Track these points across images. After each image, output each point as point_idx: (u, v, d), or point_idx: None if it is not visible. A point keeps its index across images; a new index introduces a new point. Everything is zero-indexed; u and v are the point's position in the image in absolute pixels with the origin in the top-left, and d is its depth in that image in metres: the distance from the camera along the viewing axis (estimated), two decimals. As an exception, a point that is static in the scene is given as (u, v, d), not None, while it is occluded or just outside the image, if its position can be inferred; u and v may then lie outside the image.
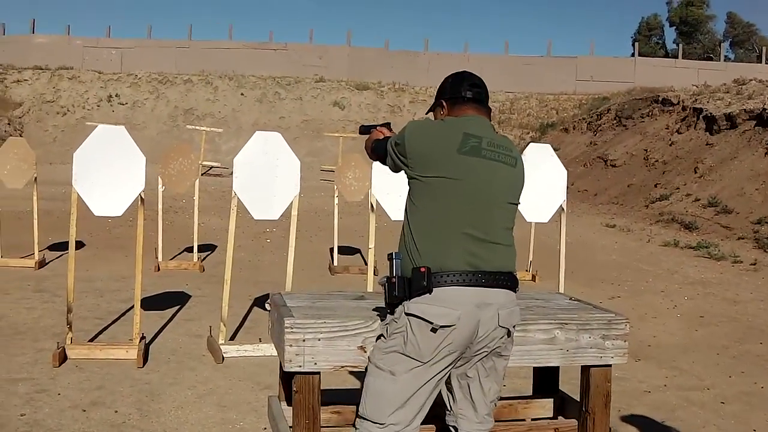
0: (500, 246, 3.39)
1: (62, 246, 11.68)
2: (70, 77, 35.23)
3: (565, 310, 4.27)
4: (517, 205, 3.54)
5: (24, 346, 6.94)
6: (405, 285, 3.29)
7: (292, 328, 3.56)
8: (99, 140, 6.50)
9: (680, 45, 46.40)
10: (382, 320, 3.54)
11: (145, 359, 6.61)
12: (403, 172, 3.52)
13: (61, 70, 35.91)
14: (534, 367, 4.55)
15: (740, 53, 55.74)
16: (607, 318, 4.12)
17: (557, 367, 4.48)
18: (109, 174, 6.45)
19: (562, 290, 7.75)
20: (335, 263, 11.98)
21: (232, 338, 7.38)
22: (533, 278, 11.46)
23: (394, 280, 3.32)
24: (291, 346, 3.55)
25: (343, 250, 12.67)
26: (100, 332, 7.54)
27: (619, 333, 4.07)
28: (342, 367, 3.67)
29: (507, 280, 3.38)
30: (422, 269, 3.26)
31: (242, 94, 34.73)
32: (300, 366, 3.56)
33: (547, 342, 3.98)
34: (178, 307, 8.71)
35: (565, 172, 7.87)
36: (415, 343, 3.25)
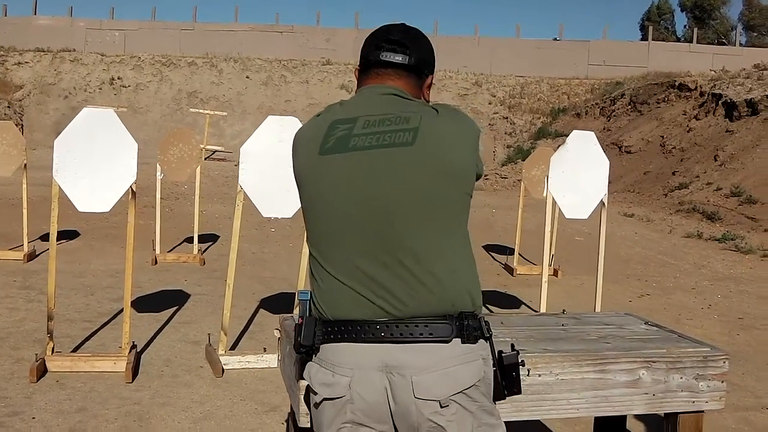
0: (420, 277, 2.31)
1: (60, 235, 11.01)
2: (72, 59, 34.55)
3: (648, 342, 3.46)
4: (444, 199, 2.35)
5: (0, 355, 6.24)
6: (293, 338, 2.47)
7: None
8: (84, 125, 5.73)
9: (694, 29, 45.57)
10: None
11: (135, 373, 5.89)
12: None
13: (62, 52, 35.24)
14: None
15: (753, 37, 54.94)
16: (702, 353, 3.32)
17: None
18: (95, 164, 5.70)
19: (599, 293, 7.04)
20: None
21: (234, 347, 6.67)
22: (555, 273, 10.76)
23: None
24: None
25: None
26: (88, 338, 6.84)
27: (717, 372, 3.29)
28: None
29: (430, 331, 2.30)
30: (300, 319, 2.40)
31: (247, 77, 34.06)
32: None
33: (629, 385, 3.17)
34: (175, 308, 7.99)
35: (608, 162, 7.13)
36: (313, 416, 2.44)
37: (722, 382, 3.32)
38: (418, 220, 2.32)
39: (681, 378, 3.24)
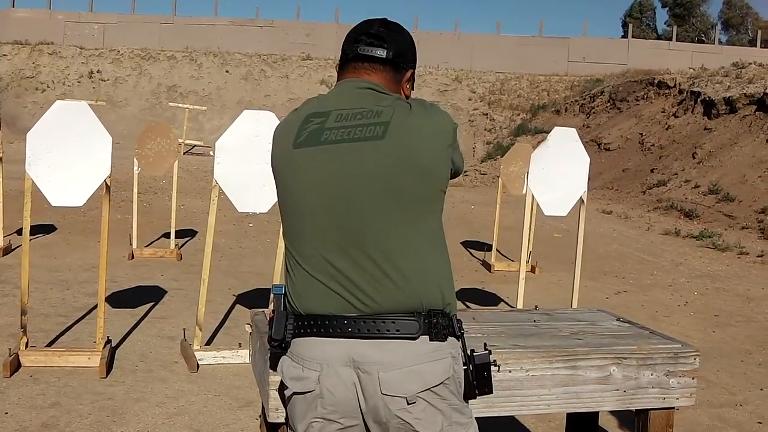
0: (388, 273, 2.29)
1: (36, 229, 10.93)
2: (50, 52, 34.31)
3: (620, 338, 3.44)
4: (416, 194, 2.32)
5: (-26, 350, 6.18)
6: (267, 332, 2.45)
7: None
8: (57, 118, 5.68)
9: (674, 27, 45.73)
10: None
11: (110, 368, 5.85)
12: None
13: (41, 45, 34.97)
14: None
15: (732, 36, 55.20)
16: (673, 350, 3.31)
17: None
18: (68, 158, 5.64)
19: (576, 289, 7.04)
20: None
21: (209, 342, 6.64)
22: (533, 270, 10.76)
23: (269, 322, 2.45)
24: (277, 390, 2.72)
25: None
26: (63, 333, 6.78)
27: (687, 369, 3.28)
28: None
29: (397, 327, 2.28)
30: (270, 314, 2.40)
31: (227, 71, 33.92)
32: None
33: (600, 381, 3.16)
34: (151, 303, 7.94)
35: (588, 159, 7.12)
36: (287, 408, 2.43)
37: (693, 378, 3.32)
38: (387, 216, 2.30)
39: (652, 374, 3.23)
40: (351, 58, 2.47)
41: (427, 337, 2.30)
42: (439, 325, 2.32)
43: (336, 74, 2.58)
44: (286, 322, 2.35)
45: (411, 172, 2.30)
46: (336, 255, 2.31)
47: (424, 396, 2.29)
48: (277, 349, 2.40)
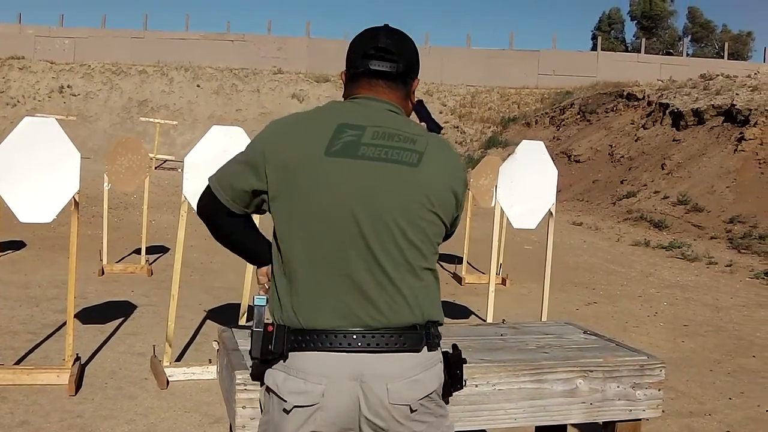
0: (395, 289, 2.37)
1: (5, 246, 10.86)
2: (20, 67, 34.18)
3: (586, 351, 3.46)
4: (430, 222, 2.43)
5: (-58, 369, 6.13)
6: (260, 344, 2.40)
7: (245, 385, 2.72)
8: (26, 134, 5.65)
9: (642, 39, 46.10)
10: None
11: (79, 385, 5.80)
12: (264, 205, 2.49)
13: (11, 59, 34.83)
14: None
15: (699, 49, 55.69)
16: (639, 362, 3.32)
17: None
18: (37, 174, 5.62)
19: (546, 300, 7.07)
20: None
21: (179, 358, 6.62)
22: (503, 282, 10.80)
23: (251, 335, 2.44)
24: (244, 407, 2.72)
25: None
26: (32, 350, 6.73)
27: (653, 380, 3.29)
28: (313, 432, 2.75)
29: (404, 341, 2.37)
30: (269, 327, 2.38)
31: (198, 85, 33.87)
32: None
33: (567, 394, 3.17)
34: (121, 318, 7.89)
35: (556, 172, 7.16)
36: (275, 423, 2.39)
37: (659, 390, 3.33)
38: (407, 237, 2.38)
39: (618, 387, 3.24)
40: (362, 72, 2.50)
41: (426, 347, 2.42)
42: (433, 335, 2.45)
43: (342, 82, 2.61)
44: (285, 336, 2.37)
45: (432, 202, 2.41)
46: (357, 269, 2.35)
47: (424, 402, 2.42)
48: (263, 365, 2.41)
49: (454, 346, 2.60)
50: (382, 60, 2.48)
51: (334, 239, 2.35)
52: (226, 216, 2.55)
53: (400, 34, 2.56)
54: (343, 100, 2.57)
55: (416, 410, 2.39)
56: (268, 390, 2.41)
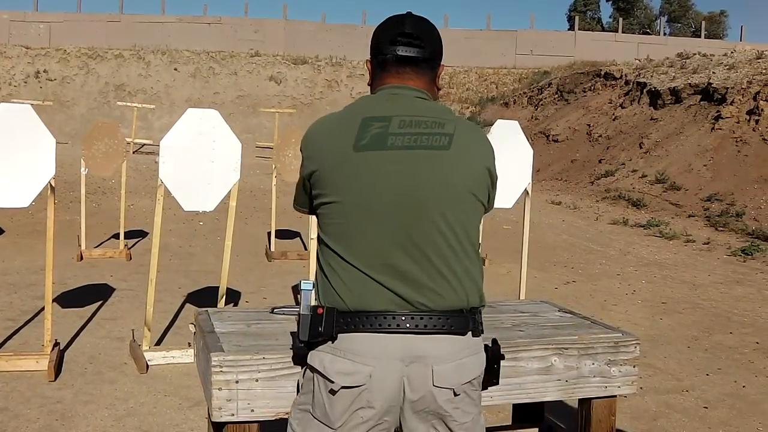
0: (442, 273, 2.42)
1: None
2: (-5, 52, 33.85)
3: (561, 329, 3.47)
4: (468, 203, 2.49)
5: None
6: (308, 327, 2.43)
7: (221, 367, 2.73)
8: (1, 121, 5.65)
9: (619, 19, 46.17)
10: None
11: (58, 371, 5.80)
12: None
13: (-15, 45, 34.51)
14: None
15: (676, 28, 55.83)
16: (614, 339, 3.35)
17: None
18: (13, 159, 5.60)
19: (524, 280, 7.10)
20: (272, 248, 11.20)
21: (159, 342, 6.62)
22: (483, 262, 10.82)
23: (298, 318, 2.48)
24: (220, 389, 2.72)
25: (282, 234, 11.88)
26: (11, 336, 6.71)
27: (628, 357, 3.32)
28: (287, 413, 2.70)
29: (451, 323, 2.42)
30: (320, 310, 2.42)
31: (175, 69, 33.67)
32: (233, 414, 2.75)
33: (542, 372, 3.20)
34: (99, 303, 7.89)
35: (531, 151, 7.16)
36: (321, 404, 2.41)
37: (634, 366, 3.36)
38: (447, 220, 2.43)
39: (593, 364, 3.27)
40: (390, 60, 2.54)
41: (471, 332, 2.49)
42: (478, 321, 2.52)
43: (367, 71, 2.66)
44: (334, 318, 2.40)
45: (469, 183, 2.48)
46: (401, 256, 2.40)
47: (465, 388, 2.47)
48: (308, 348, 2.46)
49: (494, 341, 2.64)
50: (410, 46, 2.52)
51: (375, 231, 2.40)
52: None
53: (425, 20, 2.60)
54: (370, 93, 2.62)
55: (459, 395, 2.45)
56: (313, 370, 2.43)
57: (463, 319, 2.45)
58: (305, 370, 2.51)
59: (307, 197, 2.56)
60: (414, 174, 2.40)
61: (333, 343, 2.39)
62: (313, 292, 2.50)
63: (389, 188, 2.39)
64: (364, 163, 2.39)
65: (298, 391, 2.61)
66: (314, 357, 2.43)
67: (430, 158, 2.42)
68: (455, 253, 2.45)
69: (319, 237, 2.52)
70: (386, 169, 2.39)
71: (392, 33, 2.54)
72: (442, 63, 2.65)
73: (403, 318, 2.38)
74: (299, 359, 2.53)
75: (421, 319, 2.39)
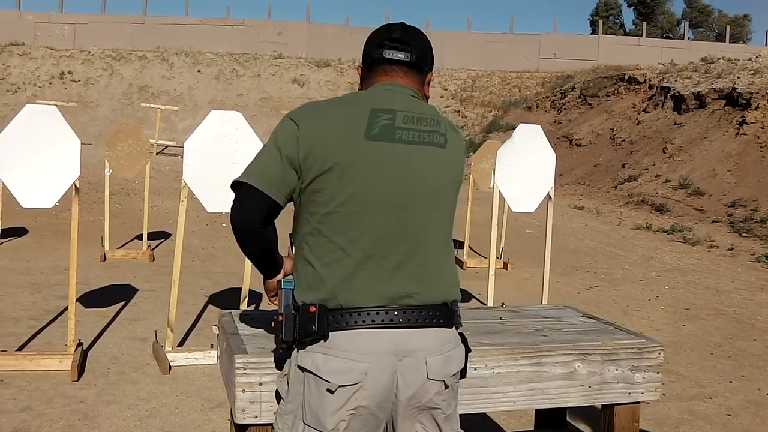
0: (430, 268, 2.47)
1: (7, 232, 10.88)
2: (20, 53, 33.99)
3: (585, 334, 3.44)
4: (454, 200, 2.59)
5: (-55, 355, 6.14)
6: (294, 326, 2.41)
7: (244, 369, 2.72)
8: (26, 121, 5.67)
9: (643, 23, 45.98)
10: None
11: (81, 371, 5.82)
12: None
13: (11, 46, 34.65)
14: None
15: (698, 33, 55.56)
16: (638, 345, 3.31)
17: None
18: (38, 160, 5.64)
19: (546, 285, 7.08)
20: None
21: (181, 344, 6.64)
22: (505, 266, 10.82)
23: (280, 318, 2.45)
24: (244, 391, 2.71)
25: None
26: (34, 335, 6.75)
27: (652, 363, 3.29)
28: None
29: (440, 316, 2.46)
30: (311, 308, 2.38)
31: (199, 71, 33.78)
32: (256, 417, 2.73)
33: (565, 377, 3.17)
34: (122, 303, 7.92)
35: (554, 155, 7.14)
36: (312, 408, 2.37)
37: (657, 373, 3.34)
38: (434, 216, 2.52)
39: (616, 370, 3.24)
40: (377, 61, 2.60)
41: (454, 326, 2.55)
42: (457, 314, 2.57)
43: (358, 75, 2.72)
44: (326, 316, 2.39)
45: (453, 182, 2.59)
46: (395, 249, 2.43)
47: (452, 380, 2.53)
48: (289, 350, 2.46)
49: (461, 334, 2.64)
50: (396, 50, 2.58)
51: (374, 221, 2.41)
52: (263, 225, 2.52)
53: (414, 28, 2.66)
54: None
55: (448, 388, 2.50)
56: (303, 371, 2.40)
57: (450, 312, 2.51)
58: (287, 375, 2.48)
59: (282, 174, 2.42)
60: (417, 168, 2.46)
61: (325, 342, 2.37)
62: (295, 291, 2.48)
63: (391, 181, 2.42)
64: (373, 153, 2.41)
65: (278, 399, 2.58)
66: (305, 358, 2.40)
67: (432, 155, 2.49)
68: (443, 248, 2.55)
69: (307, 229, 2.48)
70: (392, 161, 2.43)
71: (380, 38, 2.62)
72: (431, 71, 2.70)
73: (396, 313, 2.41)
74: (281, 363, 2.51)
75: (413, 312, 2.43)
